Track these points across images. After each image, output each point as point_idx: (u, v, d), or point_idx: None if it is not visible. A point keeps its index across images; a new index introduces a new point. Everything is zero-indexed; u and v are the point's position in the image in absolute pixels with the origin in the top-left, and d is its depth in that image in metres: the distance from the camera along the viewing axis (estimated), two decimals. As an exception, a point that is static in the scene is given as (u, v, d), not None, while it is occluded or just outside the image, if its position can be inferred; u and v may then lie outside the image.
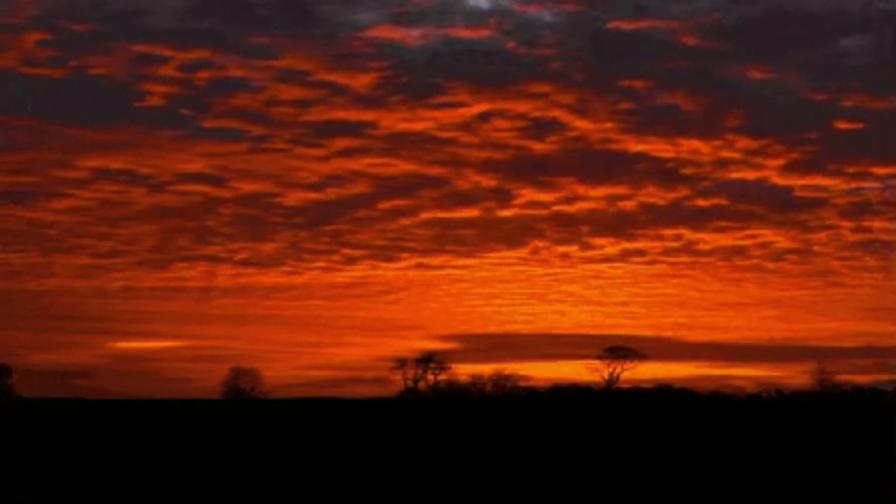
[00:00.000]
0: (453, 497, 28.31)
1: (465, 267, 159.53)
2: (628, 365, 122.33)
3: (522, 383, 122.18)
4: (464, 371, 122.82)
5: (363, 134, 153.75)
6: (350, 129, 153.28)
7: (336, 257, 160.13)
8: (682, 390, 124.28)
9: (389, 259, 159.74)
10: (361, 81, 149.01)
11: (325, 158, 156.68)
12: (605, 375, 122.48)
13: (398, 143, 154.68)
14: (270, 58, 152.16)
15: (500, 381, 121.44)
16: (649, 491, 29.59)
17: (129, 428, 66.18)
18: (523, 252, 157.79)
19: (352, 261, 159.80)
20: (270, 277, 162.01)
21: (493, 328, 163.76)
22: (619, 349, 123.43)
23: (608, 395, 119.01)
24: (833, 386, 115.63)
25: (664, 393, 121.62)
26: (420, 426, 67.42)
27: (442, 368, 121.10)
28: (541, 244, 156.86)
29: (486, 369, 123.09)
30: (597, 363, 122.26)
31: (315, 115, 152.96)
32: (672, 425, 69.73)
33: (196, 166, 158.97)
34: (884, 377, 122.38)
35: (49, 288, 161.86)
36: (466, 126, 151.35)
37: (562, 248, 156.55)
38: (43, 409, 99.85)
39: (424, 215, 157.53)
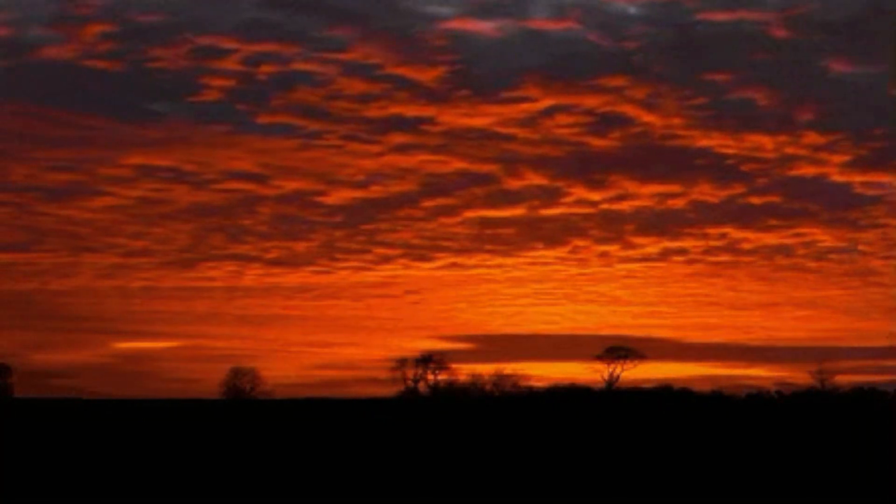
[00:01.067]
0: (453, 497, 28.29)
1: (499, 266, 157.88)
2: (628, 365, 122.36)
3: (523, 383, 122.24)
4: (464, 371, 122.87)
5: (420, 130, 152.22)
6: (407, 124, 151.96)
7: (369, 256, 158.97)
8: (682, 390, 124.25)
9: (424, 259, 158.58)
10: (429, 75, 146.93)
11: (377, 155, 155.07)
12: (605, 376, 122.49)
13: (454, 140, 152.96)
14: (339, 51, 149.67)
15: (499, 381, 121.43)
16: (649, 491, 29.58)
17: (129, 428, 66.15)
18: (562, 251, 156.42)
19: (385, 260, 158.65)
20: (298, 277, 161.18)
21: (510, 329, 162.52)
22: (618, 349, 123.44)
23: (608, 396, 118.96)
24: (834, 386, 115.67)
25: (664, 393, 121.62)
26: (420, 426, 67.38)
27: (442, 368, 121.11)
28: (581, 243, 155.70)
29: (486, 369, 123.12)
30: (598, 364, 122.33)
31: (374, 110, 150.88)
32: (673, 425, 69.71)
33: (242, 163, 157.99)
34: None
35: (69, 288, 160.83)
36: (528, 122, 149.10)
37: (602, 248, 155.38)
38: (43, 409, 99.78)
39: (468, 214, 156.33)
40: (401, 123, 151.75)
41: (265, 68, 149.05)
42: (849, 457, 40.65)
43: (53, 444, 48.53)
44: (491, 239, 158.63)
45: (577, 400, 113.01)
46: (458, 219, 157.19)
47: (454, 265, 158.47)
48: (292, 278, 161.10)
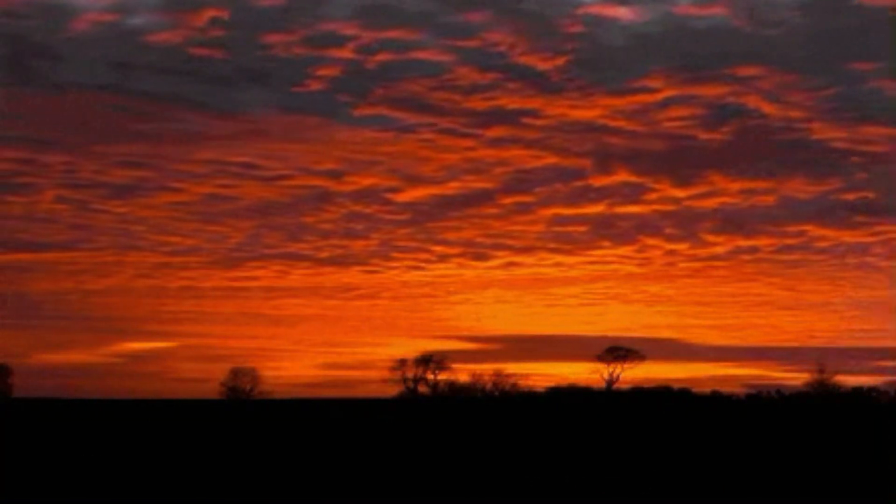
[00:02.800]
0: (453, 497, 28.30)
1: (557, 266, 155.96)
2: (627, 365, 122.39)
3: (523, 383, 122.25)
4: (464, 370, 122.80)
5: (520, 123, 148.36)
6: (509, 117, 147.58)
7: (425, 255, 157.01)
8: (682, 390, 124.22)
9: (481, 258, 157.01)
10: (550, 64, 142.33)
11: (467, 150, 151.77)
12: (606, 376, 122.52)
13: (552, 134, 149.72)
14: (464, 38, 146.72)
15: (499, 381, 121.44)
16: (649, 491, 29.58)
17: (129, 428, 66.15)
18: (628, 250, 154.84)
19: (442, 259, 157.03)
20: (346, 277, 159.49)
21: (543, 330, 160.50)
22: (618, 349, 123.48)
23: (608, 396, 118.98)
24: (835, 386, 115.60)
25: (664, 393, 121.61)
26: (419, 426, 67.36)
27: (442, 368, 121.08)
28: (651, 242, 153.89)
29: (487, 369, 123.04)
30: (601, 365, 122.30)
31: (478, 102, 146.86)
32: (673, 425, 69.70)
33: (322, 158, 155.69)
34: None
35: (102, 288, 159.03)
36: (638, 114, 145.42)
37: (671, 246, 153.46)
38: (43, 409, 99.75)
39: (543, 211, 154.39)
40: (502, 116, 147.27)
41: (380, 56, 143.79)
42: (848, 457, 40.67)
43: (53, 444, 48.52)
44: (557, 237, 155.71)
45: (577, 400, 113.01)
46: (531, 217, 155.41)
47: (511, 264, 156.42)
48: (337, 278, 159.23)
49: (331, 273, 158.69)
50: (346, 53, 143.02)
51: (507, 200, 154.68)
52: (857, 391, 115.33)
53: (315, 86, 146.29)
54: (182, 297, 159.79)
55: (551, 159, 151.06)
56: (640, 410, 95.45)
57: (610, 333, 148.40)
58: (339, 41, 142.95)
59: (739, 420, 77.76)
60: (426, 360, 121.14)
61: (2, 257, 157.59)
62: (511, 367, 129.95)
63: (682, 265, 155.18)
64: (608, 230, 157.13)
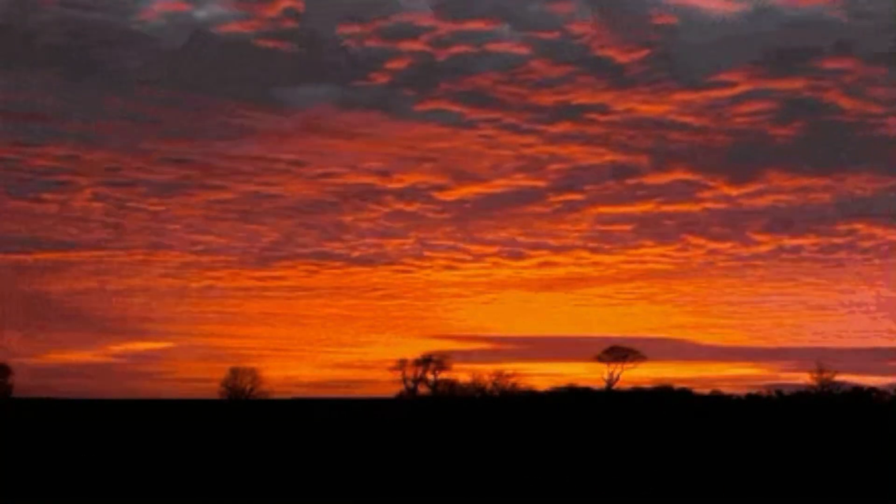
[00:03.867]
0: (453, 497, 28.30)
1: (594, 265, 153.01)
2: (627, 365, 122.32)
3: (522, 384, 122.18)
4: (464, 370, 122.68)
5: (585, 119, 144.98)
6: (575, 113, 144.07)
7: (459, 255, 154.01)
8: (682, 390, 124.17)
9: (518, 257, 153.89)
10: (630, 57, 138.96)
11: (526, 146, 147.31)
12: (606, 376, 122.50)
13: (616, 130, 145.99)
14: (547, 29, 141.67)
15: (499, 381, 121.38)
16: (649, 491, 29.58)
17: (129, 428, 66.15)
18: (670, 249, 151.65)
19: (477, 258, 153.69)
20: (375, 276, 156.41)
21: (563, 331, 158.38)
22: (617, 349, 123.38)
23: (608, 396, 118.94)
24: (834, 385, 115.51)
25: (664, 393, 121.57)
26: (419, 426, 67.35)
27: (442, 368, 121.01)
28: (696, 241, 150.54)
29: (486, 369, 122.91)
30: (602, 365, 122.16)
31: (547, 97, 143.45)
32: (673, 425, 69.69)
33: (371, 156, 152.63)
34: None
35: (125, 287, 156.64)
36: (709, 110, 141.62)
37: (715, 245, 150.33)
38: (43, 409, 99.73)
39: (591, 210, 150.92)
40: (568, 112, 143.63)
41: (453, 49, 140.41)
42: (848, 457, 40.67)
43: (53, 444, 48.52)
44: (600, 236, 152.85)
45: (578, 401, 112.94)
46: (577, 215, 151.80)
47: (545, 264, 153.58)
48: (365, 278, 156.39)
49: (359, 273, 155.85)
50: (418, 46, 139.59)
51: (556, 199, 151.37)
52: (858, 391, 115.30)
53: (380, 80, 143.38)
54: (204, 297, 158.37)
55: (609, 156, 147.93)
56: (640, 410, 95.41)
57: (628, 334, 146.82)
58: (413, 33, 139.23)
59: (739, 420, 77.74)
60: (426, 361, 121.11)
61: (27, 257, 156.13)
62: (527, 367, 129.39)
63: (721, 265, 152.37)
64: (653, 229, 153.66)
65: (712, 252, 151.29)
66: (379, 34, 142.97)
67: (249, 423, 72.34)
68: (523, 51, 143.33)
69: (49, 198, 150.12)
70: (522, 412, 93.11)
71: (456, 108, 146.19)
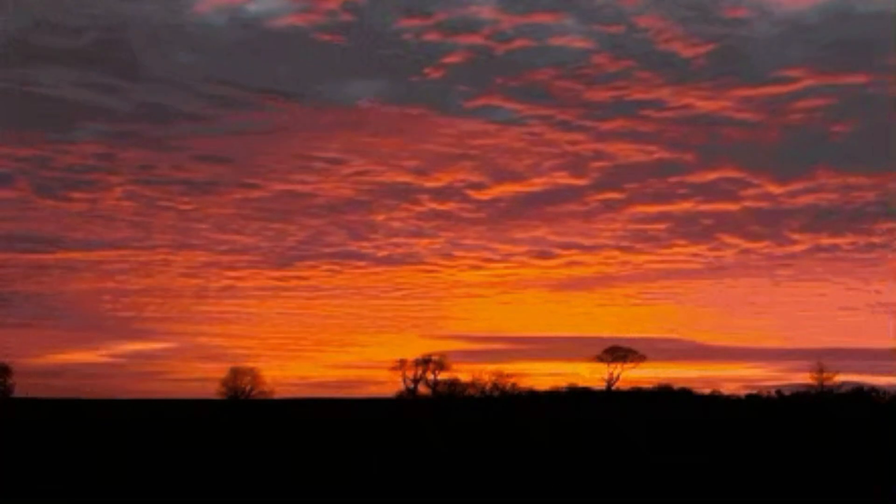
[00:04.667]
0: (453, 497, 28.29)
1: (623, 264, 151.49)
2: (627, 366, 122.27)
3: (522, 383, 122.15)
4: (464, 370, 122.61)
5: (638, 115, 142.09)
6: (628, 109, 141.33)
7: (487, 254, 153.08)
8: (682, 390, 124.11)
9: (547, 256, 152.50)
10: (694, 52, 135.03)
11: (573, 143, 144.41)
12: (606, 376, 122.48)
13: (668, 126, 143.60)
14: (612, 23, 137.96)
15: (499, 381, 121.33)
16: (649, 491, 29.58)
17: (129, 428, 66.10)
18: (702, 248, 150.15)
19: (504, 258, 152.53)
20: (398, 276, 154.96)
21: (577, 332, 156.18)
22: (617, 350, 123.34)
23: (608, 396, 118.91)
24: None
25: (664, 393, 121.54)
26: (419, 426, 67.30)
27: (441, 368, 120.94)
28: (731, 240, 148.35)
29: (486, 370, 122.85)
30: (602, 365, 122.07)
31: (601, 93, 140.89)
32: (674, 425, 69.64)
33: (412, 153, 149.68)
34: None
35: (141, 287, 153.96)
36: (766, 106, 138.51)
37: (749, 245, 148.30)
38: (43, 409, 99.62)
39: (627, 209, 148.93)
40: (623, 108, 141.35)
41: (513, 43, 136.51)
42: (848, 457, 40.65)
43: (53, 444, 48.49)
44: (633, 236, 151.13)
45: (577, 400, 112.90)
46: (613, 214, 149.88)
47: (573, 263, 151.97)
48: (387, 277, 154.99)
49: (383, 273, 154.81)
50: (477, 39, 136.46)
51: (594, 198, 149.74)
52: (858, 391, 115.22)
53: (434, 74, 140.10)
54: (222, 296, 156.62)
55: (657, 154, 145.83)
56: (639, 410, 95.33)
57: (644, 335, 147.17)
58: (474, 26, 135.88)
59: (740, 420, 77.67)
60: (426, 361, 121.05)
61: (48, 257, 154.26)
62: (532, 367, 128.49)
63: (752, 264, 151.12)
64: (688, 228, 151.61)
65: (745, 252, 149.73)
66: (439, 28, 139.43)
67: (249, 423, 72.28)
68: (585, 45, 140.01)
69: (78, 196, 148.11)
70: (522, 412, 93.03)
71: (508, 105, 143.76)
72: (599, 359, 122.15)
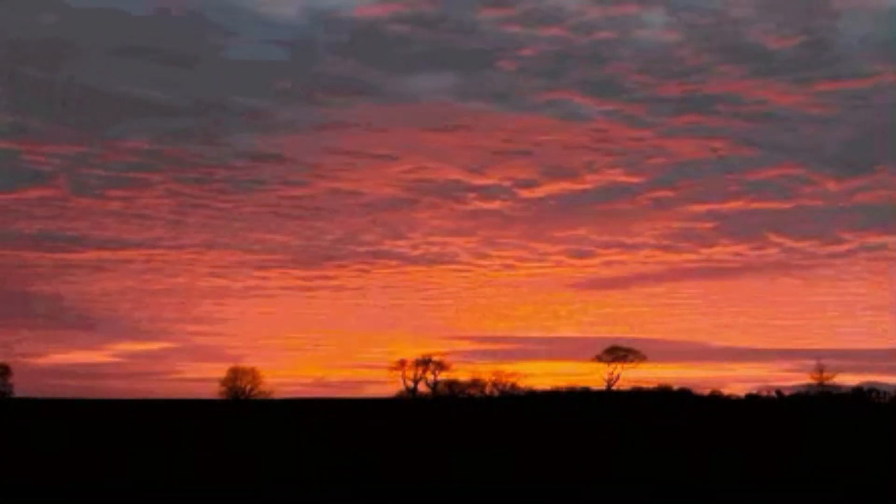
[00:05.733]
0: (453, 497, 28.29)
1: (661, 263, 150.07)
2: (627, 366, 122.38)
3: (522, 383, 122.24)
4: (464, 370, 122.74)
5: (710, 111, 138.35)
6: (701, 103, 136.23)
7: (523, 254, 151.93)
8: (682, 390, 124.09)
9: (584, 255, 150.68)
10: (784, 44, 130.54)
11: (636, 139, 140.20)
12: (605, 376, 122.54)
13: (738, 122, 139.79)
14: (705, 14, 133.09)
15: (499, 381, 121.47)
16: (649, 491, 29.57)
17: (129, 428, 66.08)
18: (745, 248, 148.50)
19: (540, 258, 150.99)
20: (426, 276, 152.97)
21: (591, 332, 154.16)
22: (618, 350, 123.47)
23: (608, 396, 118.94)
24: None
25: (664, 393, 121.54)
26: (419, 426, 67.28)
27: (441, 368, 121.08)
28: (776, 239, 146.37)
29: (486, 370, 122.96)
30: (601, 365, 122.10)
31: (680, 86, 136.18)
32: (673, 425, 69.62)
33: (468, 149, 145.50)
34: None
35: (163, 287, 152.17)
36: (845, 101, 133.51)
37: (794, 244, 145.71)
38: (43, 409, 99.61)
39: (678, 207, 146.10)
40: (696, 102, 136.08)
41: (595, 35, 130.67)
42: (848, 457, 40.62)
43: (53, 444, 48.48)
44: (677, 234, 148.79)
45: (577, 400, 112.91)
46: (662, 212, 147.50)
47: (612, 263, 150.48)
48: (415, 277, 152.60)
49: (412, 273, 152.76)
50: (558, 31, 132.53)
51: (646, 195, 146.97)
52: (858, 391, 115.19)
53: (508, 67, 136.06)
54: (245, 296, 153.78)
55: (723, 150, 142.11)
56: (640, 410, 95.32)
57: (655, 336, 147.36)
58: (558, 17, 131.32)
59: (739, 420, 77.64)
60: (426, 361, 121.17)
61: (74, 256, 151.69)
62: (534, 367, 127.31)
63: (794, 263, 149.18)
64: (735, 226, 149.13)
65: (788, 251, 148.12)
66: (520, 19, 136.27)
67: (249, 423, 72.27)
68: (669, 37, 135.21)
69: (116, 195, 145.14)
70: (521, 412, 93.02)
71: (577, 99, 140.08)
72: (599, 359, 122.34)
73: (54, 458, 39.96)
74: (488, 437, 55.87)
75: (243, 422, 75.25)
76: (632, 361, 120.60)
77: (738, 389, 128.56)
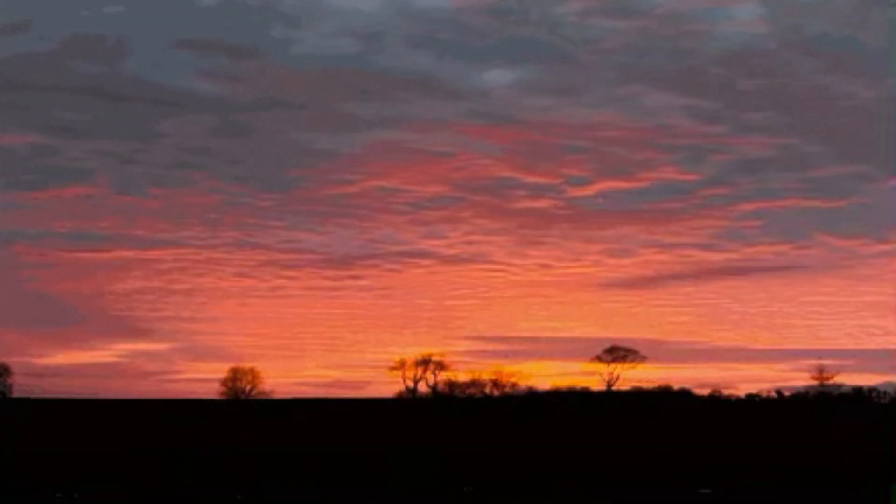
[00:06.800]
0: (453, 497, 28.28)
1: (694, 263, 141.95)
2: (627, 366, 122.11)
3: (523, 383, 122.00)
4: (464, 370, 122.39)
5: (786, 106, 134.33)
6: (780, 99, 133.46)
7: (559, 253, 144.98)
8: (681, 391, 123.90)
9: (621, 255, 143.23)
10: (871, 36, 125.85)
11: (700, 136, 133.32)
12: (605, 376, 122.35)
13: (815, 119, 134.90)
14: (791, 7, 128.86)
15: (499, 381, 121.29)
16: (648, 491, 29.57)
17: (129, 428, 66.10)
18: (788, 247, 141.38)
19: (575, 258, 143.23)
20: (455, 276, 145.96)
21: (604, 333, 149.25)
22: (617, 350, 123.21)
23: (608, 396, 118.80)
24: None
25: (664, 393, 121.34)
26: (419, 426, 67.29)
27: (441, 368, 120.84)
28: (822, 238, 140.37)
29: (485, 370, 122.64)
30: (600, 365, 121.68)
31: (762, 80, 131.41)
32: (673, 425, 69.62)
33: (523, 146, 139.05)
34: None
35: (185, 288, 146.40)
36: None
37: (839, 243, 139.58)
38: (43, 409, 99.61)
39: (727, 206, 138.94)
40: (774, 98, 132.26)
41: (681, 27, 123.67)
42: (848, 457, 40.63)
43: (53, 444, 48.49)
44: (720, 234, 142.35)
45: (577, 400, 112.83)
46: (711, 211, 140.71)
47: (644, 263, 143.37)
48: (444, 277, 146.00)
49: (443, 273, 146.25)
50: (641, 24, 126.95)
51: (698, 194, 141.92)
52: (857, 391, 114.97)
53: (585, 60, 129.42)
54: (271, 297, 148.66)
55: (792, 147, 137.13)
56: (639, 410, 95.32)
57: (662, 337, 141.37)
58: (642, 8, 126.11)
59: (739, 420, 77.65)
60: (426, 361, 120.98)
61: (103, 255, 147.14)
62: (535, 367, 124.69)
63: (833, 262, 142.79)
64: (783, 226, 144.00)
65: (832, 250, 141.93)
66: (602, 11, 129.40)
67: (249, 423, 72.27)
68: (759, 29, 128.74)
69: (157, 193, 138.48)
70: (521, 412, 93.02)
71: (651, 94, 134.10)
72: (599, 359, 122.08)
73: (54, 458, 39.95)
74: (488, 437, 55.87)
75: (243, 422, 75.29)
76: (631, 361, 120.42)
77: (743, 389, 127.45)
